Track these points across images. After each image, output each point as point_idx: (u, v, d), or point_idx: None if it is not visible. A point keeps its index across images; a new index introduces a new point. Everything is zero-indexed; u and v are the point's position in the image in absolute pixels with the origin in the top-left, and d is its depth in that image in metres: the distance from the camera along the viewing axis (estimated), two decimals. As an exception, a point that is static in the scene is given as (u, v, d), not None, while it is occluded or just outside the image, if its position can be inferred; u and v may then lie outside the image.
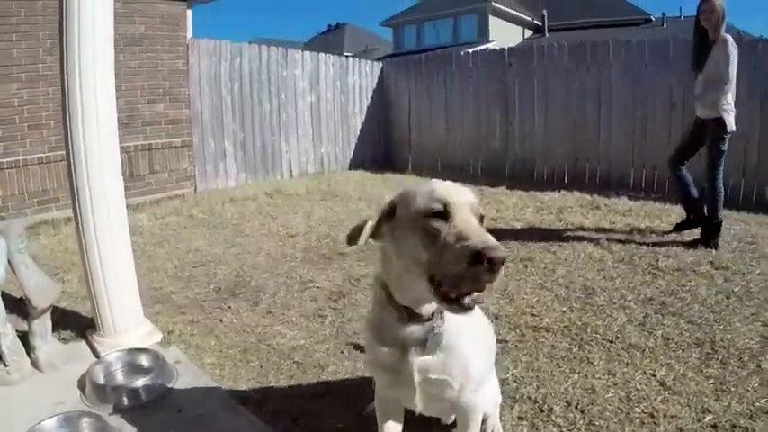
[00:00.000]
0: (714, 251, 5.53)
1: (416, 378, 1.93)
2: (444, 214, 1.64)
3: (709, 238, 5.69)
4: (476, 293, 1.61)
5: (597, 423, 2.76)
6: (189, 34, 8.97)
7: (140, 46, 8.17)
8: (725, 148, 5.51)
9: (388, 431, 2.24)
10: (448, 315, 1.87)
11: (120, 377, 3.21)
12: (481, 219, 1.69)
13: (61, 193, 7.16)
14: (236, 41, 9.67)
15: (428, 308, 1.87)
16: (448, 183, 1.77)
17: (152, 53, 8.34)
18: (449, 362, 1.93)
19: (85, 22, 3.19)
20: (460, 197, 1.70)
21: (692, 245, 5.69)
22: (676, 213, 6.67)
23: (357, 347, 3.59)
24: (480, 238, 1.54)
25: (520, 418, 2.82)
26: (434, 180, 1.80)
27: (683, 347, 3.55)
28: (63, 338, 3.62)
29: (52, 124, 7.01)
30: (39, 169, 7.09)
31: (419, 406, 2.05)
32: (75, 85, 3.21)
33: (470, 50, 11.63)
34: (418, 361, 1.90)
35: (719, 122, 5.45)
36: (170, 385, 3.09)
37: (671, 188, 6.39)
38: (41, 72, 6.94)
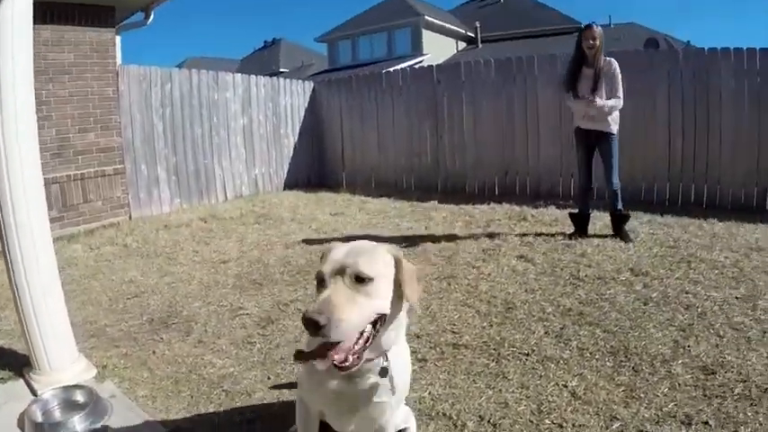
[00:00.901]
0: (631, 246, 6.12)
1: (366, 404, 2.14)
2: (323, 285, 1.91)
3: (621, 231, 6.45)
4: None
5: (508, 436, 2.93)
6: (118, 61, 8.97)
7: (70, 74, 8.13)
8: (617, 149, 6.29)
9: None
10: (393, 350, 2.11)
11: (57, 415, 3.26)
12: (354, 277, 1.87)
13: (-7, 227, 7.09)
14: (170, 63, 9.90)
15: (380, 350, 2.05)
16: (334, 251, 2.00)
17: (82, 81, 8.30)
18: (392, 387, 2.13)
19: (5, 55, 3.24)
20: (325, 266, 1.93)
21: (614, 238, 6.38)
22: (601, 221, 7.01)
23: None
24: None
25: (434, 434, 2.98)
26: (331, 246, 2.07)
27: (597, 357, 3.72)
28: (1, 378, 3.67)
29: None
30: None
31: (351, 427, 2.27)
32: None
33: (399, 67, 11.90)
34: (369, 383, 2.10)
35: (613, 132, 6.21)
36: (105, 420, 3.17)
37: (598, 196, 6.82)
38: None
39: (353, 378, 2.07)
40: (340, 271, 1.88)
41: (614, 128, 6.24)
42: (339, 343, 1.82)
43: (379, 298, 1.89)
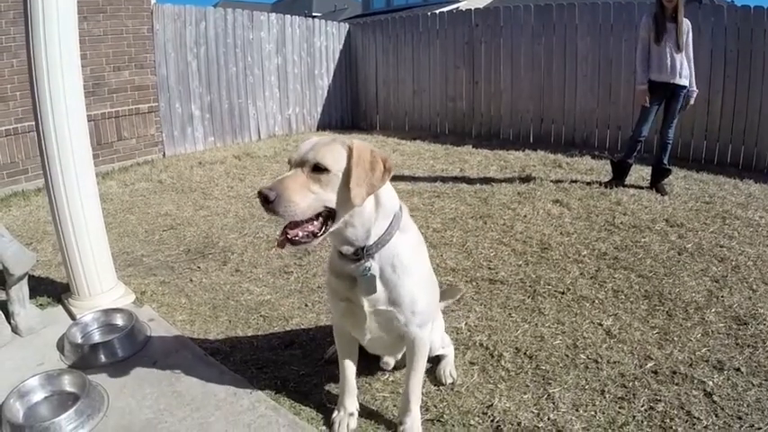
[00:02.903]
0: (667, 198, 6.07)
1: (366, 307, 2.22)
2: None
3: (658, 184, 6.45)
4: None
5: (544, 367, 2.96)
6: (153, -1, 8.94)
7: (104, 13, 8.06)
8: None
9: (347, 364, 2.54)
10: (383, 253, 2.16)
11: (96, 336, 3.34)
12: (312, 167, 1.94)
13: (30, 165, 7.17)
14: (202, 5, 9.61)
15: (347, 248, 2.14)
16: (303, 143, 2.07)
17: (116, 20, 8.24)
18: (393, 296, 2.20)
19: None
20: (293, 154, 2.03)
21: (649, 190, 6.37)
22: (637, 173, 6.95)
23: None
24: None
25: (471, 363, 3.02)
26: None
27: (631, 299, 3.75)
28: (40, 304, 3.73)
29: (18, 96, 6.95)
30: (6, 141, 7.04)
31: (368, 336, 2.33)
32: (41, 55, 3.24)
33: (437, 11, 11.65)
34: (365, 289, 2.18)
35: (686, 86, 6.17)
36: (144, 341, 3.24)
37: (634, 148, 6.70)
38: (5, 44, 6.84)
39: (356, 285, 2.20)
40: (302, 162, 1.97)
41: (687, 82, 6.20)
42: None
43: (333, 191, 1.96)
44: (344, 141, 2.03)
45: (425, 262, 2.37)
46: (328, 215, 2.00)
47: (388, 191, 2.15)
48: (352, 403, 2.58)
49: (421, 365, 2.42)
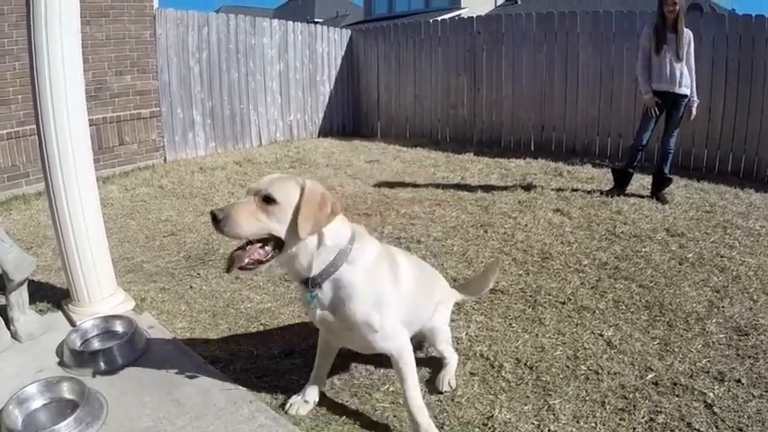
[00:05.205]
0: (667, 208, 6.08)
1: (317, 325, 2.53)
2: None
3: (659, 193, 6.46)
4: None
5: (544, 378, 2.96)
6: (155, 4, 8.90)
7: (107, 17, 8.06)
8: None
9: (322, 361, 2.81)
10: (332, 283, 2.37)
11: (96, 343, 3.32)
12: (263, 197, 2.18)
13: (31, 168, 7.16)
14: (205, 11, 9.61)
15: (295, 279, 2.45)
16: (264, 177, 2.34)
17: (119, 24, 8.24)
18: (344, 319, 2.40)
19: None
20: (251, 186, 2.28)
21: (650, 199, 6.38)
22: (637, 181, 6.93)
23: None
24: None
25: (472, 373, 3.02)
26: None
27: (632, 310, 3.75)
28: (40, 310, 3.72)
29: (20, 99, 6.94)
30: (7, 145, 7.03)
31: (347, 345, 2.69)
32: (43, 59, 3.23)
33: (439, 18, 11.65)
34: (318, 313, 2.42)
35: (687, 95, 6.18)
36: (143, 349, 3.22)
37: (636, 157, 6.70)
38: (7, 47, 6.84)
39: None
40: (256, 191, 2.21)
41: (688, 91, 6.21)
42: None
43: (278, 221, 2.19)
44: (298, 180, 2.27)
45: (384, 284, 2.47)
46: (276, 245, 2.24)
47: (333, 230, 2.33)
48: (312, 393, 2.75)
49: (408, 375, 2.49)
